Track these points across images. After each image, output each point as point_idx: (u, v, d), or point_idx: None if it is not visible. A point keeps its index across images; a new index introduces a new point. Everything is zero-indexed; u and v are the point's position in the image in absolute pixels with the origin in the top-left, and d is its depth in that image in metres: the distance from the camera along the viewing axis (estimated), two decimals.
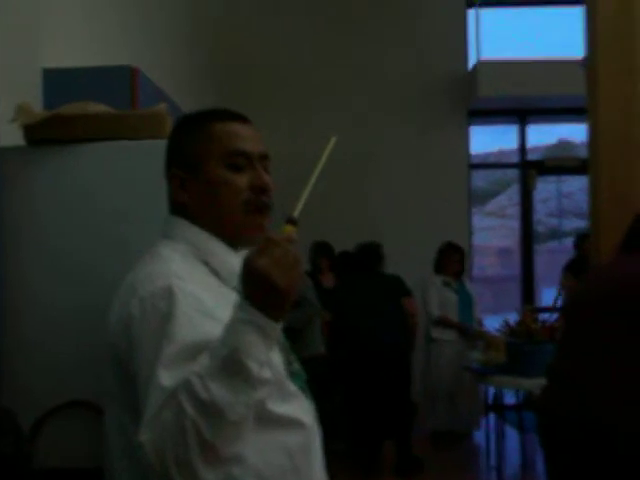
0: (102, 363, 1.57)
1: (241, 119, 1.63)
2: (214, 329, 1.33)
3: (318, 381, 5.43)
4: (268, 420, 1.46)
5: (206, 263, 1.55)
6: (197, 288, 1.44)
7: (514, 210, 9.36)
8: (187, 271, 1.49)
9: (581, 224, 9.20)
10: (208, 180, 1.56)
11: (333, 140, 1.49)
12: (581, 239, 7.11)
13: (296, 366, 1.64)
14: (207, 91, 6.88)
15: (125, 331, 1.44)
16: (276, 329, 1.29)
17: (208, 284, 1.51)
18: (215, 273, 1.55)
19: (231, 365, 1.25)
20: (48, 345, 2.15)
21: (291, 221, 1.34)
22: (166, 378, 1.30)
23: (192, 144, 1.58)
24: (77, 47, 3.56)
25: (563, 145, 10.14)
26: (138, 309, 1.42)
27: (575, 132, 9.38)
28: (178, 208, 1.59)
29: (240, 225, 1.57)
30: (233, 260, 1.56)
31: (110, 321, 1.51)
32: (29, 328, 2.16)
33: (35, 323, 2.16)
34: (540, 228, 8.85)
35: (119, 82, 3.11)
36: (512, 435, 6.54)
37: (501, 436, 5.95)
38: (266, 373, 1.29)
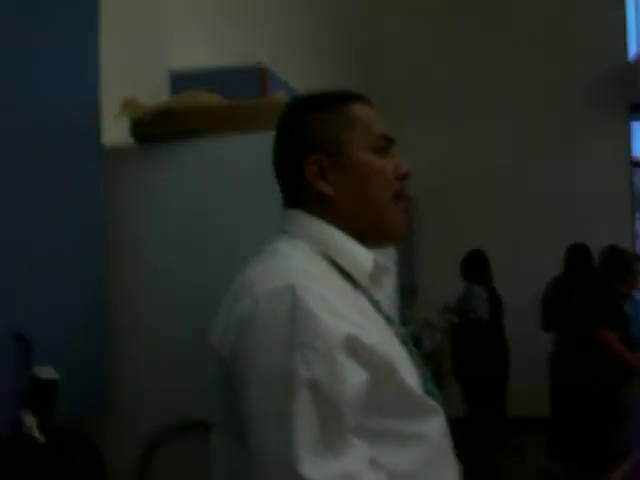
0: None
1: (369, 101, 1.47)
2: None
3: None
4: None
5: (333, 261, 1.35)
6: (323, 287, 1.25)
7: None
8: (311, 269, 1.30)
9: None
10: (358, 167, 1.38)
11: None
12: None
13: (430, 386, 1.41)
14: None
15: (235, 338, 1.23)
16: None
17: (335, 284, 1.32)
18: (343, 272, 1.36)
19: None
20: (154, 364, 2.03)
21: None
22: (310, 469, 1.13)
23: (332, 128, 1.39)
24: (207, 48, 3.48)
25: None
26: (253, 312, 1.21)
27: None
28: (313, 206, 1.40)
29: (391, 217, 1.41)
30: (364, 258, 1.38)
31: (215, 329, 1.31)
32: (133, 347, 2.05)
33: (139, 342, 2.04)
34: None
35: (248, 82, 2.99)
36: None
37: None
38: None
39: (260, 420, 1.17)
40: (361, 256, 1.38)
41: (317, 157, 1.38)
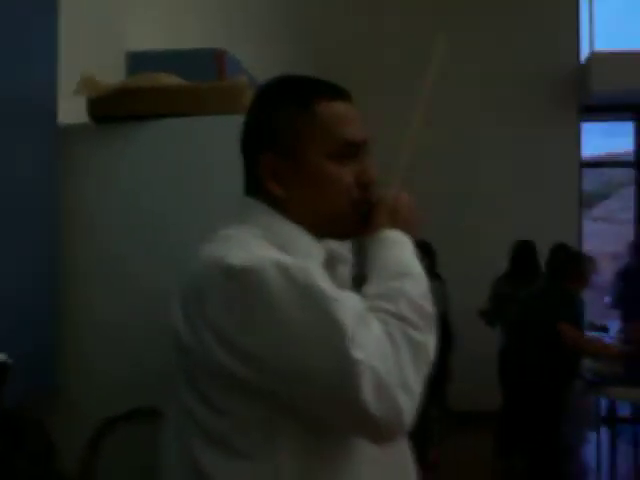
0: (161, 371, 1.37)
1: (346, 96, 1.42)
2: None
3: None
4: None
5: (284, 252, 1.32)
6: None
7: (627, 215, 8.87)
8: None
9: None
10: (311, 174, 1.36)
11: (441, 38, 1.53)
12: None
13: None
14: None
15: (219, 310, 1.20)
16: None
17: None
18: None
19: (405, 274, 1.31)
20: (104, 348, 2.00)
21: None
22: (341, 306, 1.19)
23: (291, 126, 1.36)
24: (164, 32, 3.43)
25: None
26: (230, 284, 1.19)
27: None
28: (267, 198, 1.38)
29: (343, 222, 1.39)
30: (315, 253, 1.37)
31: (174, 311, 1.27)
32: (85, 329, 2.01)
33: (91, 326, 2.01)
34: None
35: (205, 65, 2.93)
36: (625, 450, 6.09)
37: (614, 452, 5.54)
38: None
39: (295, 337, 1.17)
40: (311, 250, 1.36)
41: (272, 157, 1.35)
